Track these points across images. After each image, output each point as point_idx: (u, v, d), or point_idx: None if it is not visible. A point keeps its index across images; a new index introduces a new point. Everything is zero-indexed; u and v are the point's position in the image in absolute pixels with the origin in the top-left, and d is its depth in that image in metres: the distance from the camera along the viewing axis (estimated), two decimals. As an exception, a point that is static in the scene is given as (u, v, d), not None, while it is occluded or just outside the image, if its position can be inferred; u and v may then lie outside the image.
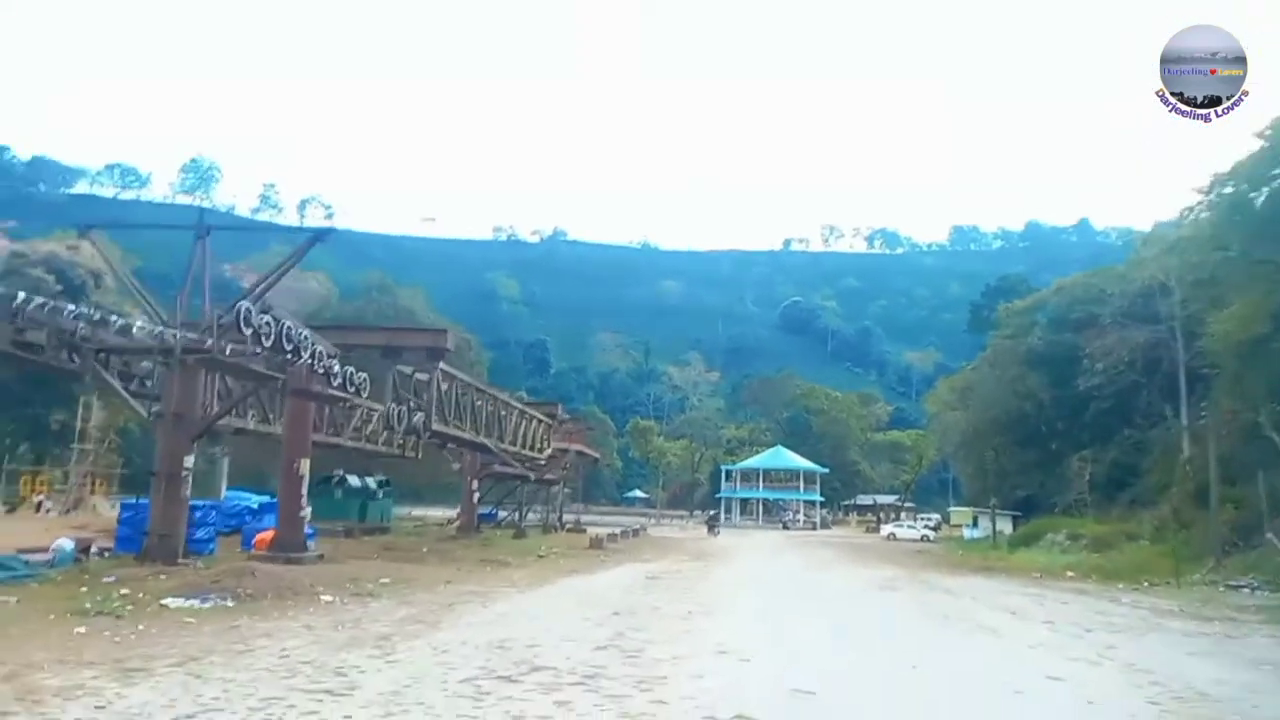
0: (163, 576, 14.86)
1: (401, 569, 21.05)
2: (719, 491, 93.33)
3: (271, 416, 25.55)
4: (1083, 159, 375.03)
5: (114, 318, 16.75)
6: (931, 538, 63.03)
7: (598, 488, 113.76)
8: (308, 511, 22.59)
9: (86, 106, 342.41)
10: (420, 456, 38.40)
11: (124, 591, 13.28)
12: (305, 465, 21.11)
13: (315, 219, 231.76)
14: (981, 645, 12.68)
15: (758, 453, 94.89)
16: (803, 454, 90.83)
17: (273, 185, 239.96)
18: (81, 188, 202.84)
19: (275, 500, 28.79)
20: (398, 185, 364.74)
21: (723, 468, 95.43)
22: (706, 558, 33.00)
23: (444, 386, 24.02)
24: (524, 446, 34.51)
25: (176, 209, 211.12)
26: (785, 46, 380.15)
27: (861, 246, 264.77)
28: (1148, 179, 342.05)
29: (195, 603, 12.49)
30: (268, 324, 15.48)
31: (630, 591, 18.36)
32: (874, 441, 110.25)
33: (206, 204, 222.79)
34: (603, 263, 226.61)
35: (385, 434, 31.17)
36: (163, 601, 12.50)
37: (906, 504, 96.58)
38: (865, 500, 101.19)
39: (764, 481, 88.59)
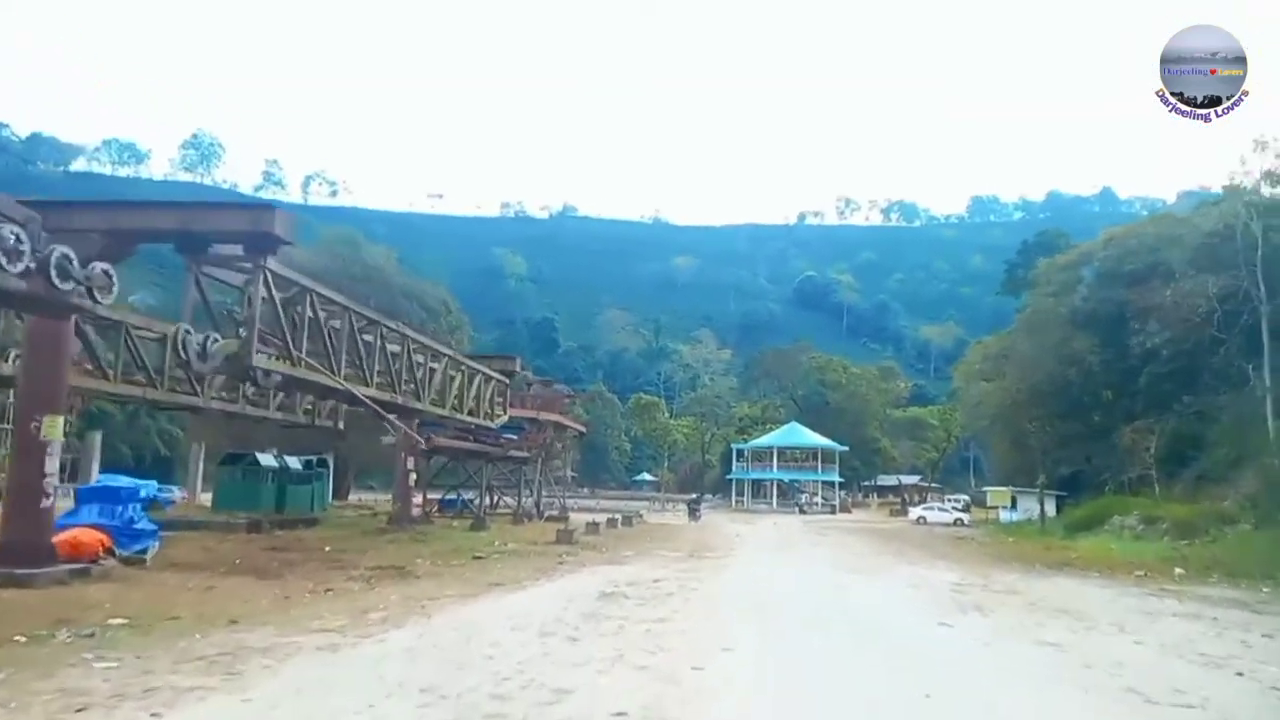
0: None
1: (206, 595, 13.28)
2: (730, 473, 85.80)
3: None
4: (1104, 125, 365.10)
5: None
6: (966, 521, 57.24)
7: (605, 471, 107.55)
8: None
9: (85, 82, 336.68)
10: (342, 426, 30.39)
11: None
12: (55, 427, 13.24)
13: (320, 197, 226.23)
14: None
15: (771, 431, 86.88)
16: (820, 433, 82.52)
17: (276, 162, 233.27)
18: (79, 165, 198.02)
19: (139, 486, 21.56)
20: (404, 162, 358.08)
21: (734, 446, 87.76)
22: (702, 555, 25.14)
23: (299, 309, 15.72)
24: (461, 410, 26.28)
25: (177, 185, 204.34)
26: (799, 16, 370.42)
27: (878, 219, 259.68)
28: (1172, 144, 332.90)
29: None
30: None
31: (548, 634, 10.60)
32: (895, 419, 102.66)
33: (208, 181, 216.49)
34: (612, 239, 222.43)
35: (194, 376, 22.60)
36: None
37: (932, 485, 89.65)
38: (888, 480, 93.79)
39: (778, 461, 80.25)
